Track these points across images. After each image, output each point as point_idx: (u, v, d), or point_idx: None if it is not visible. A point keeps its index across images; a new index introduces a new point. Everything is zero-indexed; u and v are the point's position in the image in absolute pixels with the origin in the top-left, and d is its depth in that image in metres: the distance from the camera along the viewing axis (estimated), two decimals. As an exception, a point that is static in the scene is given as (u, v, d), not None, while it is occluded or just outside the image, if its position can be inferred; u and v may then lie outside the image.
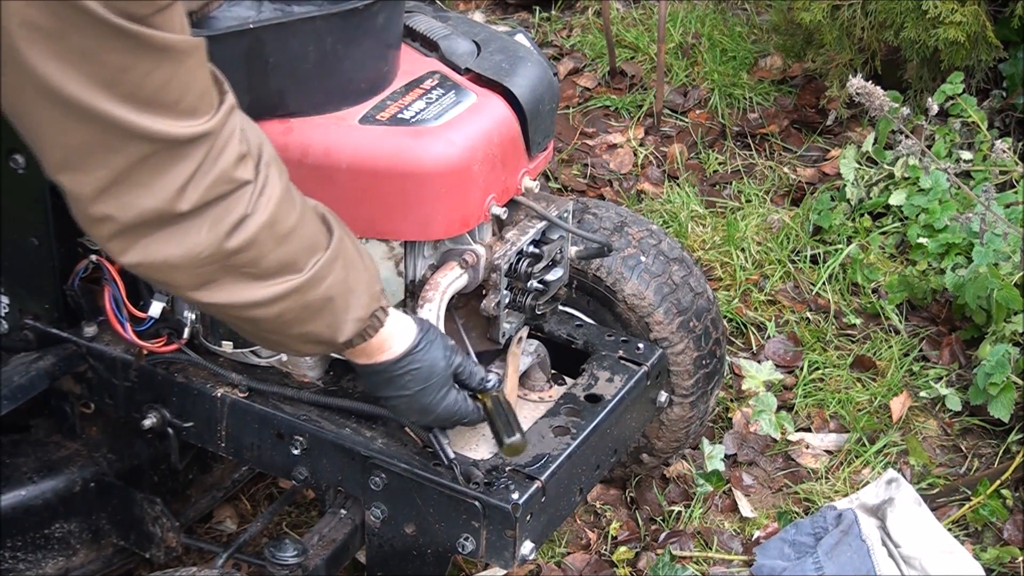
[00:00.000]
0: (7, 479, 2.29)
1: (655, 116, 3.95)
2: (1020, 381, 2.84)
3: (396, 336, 1.89)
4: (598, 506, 2.76)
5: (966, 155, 3.51)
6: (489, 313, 2.13)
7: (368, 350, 1.87)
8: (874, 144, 3.57)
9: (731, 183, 3.73)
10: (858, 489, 2.75)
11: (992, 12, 3.54)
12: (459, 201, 2.01)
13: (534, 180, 2.15)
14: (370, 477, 2.08)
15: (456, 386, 1.98)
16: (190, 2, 1.93)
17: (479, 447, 2.17)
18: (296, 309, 1.71)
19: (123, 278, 2.18)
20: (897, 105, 2.95)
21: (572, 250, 2.29)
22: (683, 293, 2.47)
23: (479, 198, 2.04)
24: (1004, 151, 2.85)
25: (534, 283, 2.19)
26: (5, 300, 2.29)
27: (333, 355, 2.22)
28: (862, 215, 3.49)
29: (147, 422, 2.25)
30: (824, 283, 3.33)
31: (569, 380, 2.36)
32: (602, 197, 3.67)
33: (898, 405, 2.98)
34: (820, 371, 3.11)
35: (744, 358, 3.13)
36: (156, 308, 2.16)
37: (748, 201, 3.64)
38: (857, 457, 2.88)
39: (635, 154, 3.88)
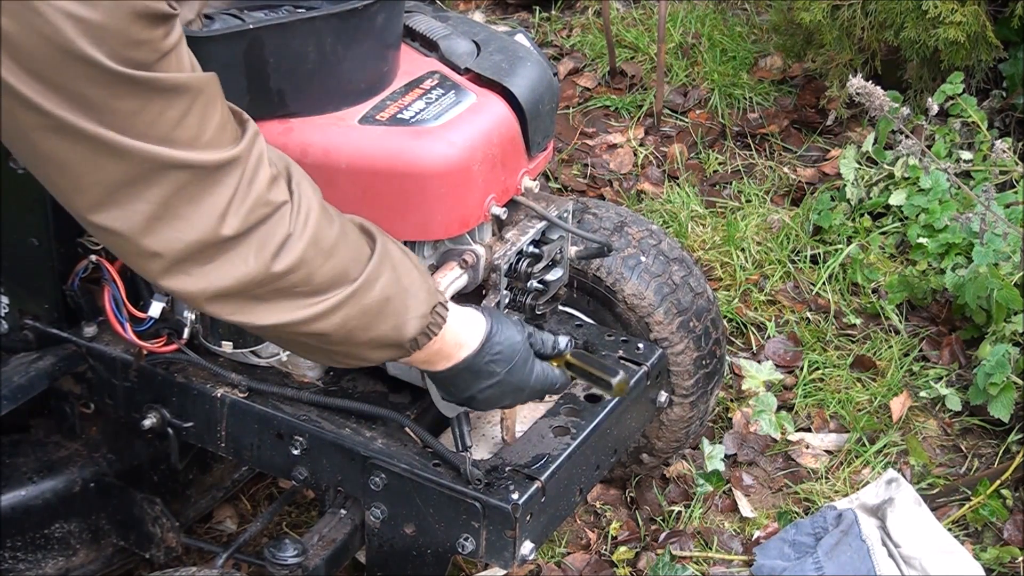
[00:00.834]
0: (7, 479, 2.29)
1: (655, 116, 3.95)
2: (1020, 381, 2.84)
3: (467, 329, 1.88)
4: (598, 506, 2.76)
5: (966, 155, 3.51)
6: (489, 313, 2.13)
7: (446, 352, 1.86)
8: (874, 144, 3.57)
9: (731, 183, 3.73)
10: (858, 489, 2.75)
11: (992, 12, 3.54)
12: (459, 201, 2.01)
13: (534, 180, 2.15)
14: (370, 477, 2.08)
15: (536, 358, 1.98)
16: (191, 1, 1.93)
17: (479, 447, 2.17)
18: (356, 316, 1.71)
19: (123, 278, 2.18)
20: (897, 105, 2.95)
21: (572, 250, 2.29)
22: (683, 293, 2.48)
23: (479, 198, 2.04)
24: (1004, 151, 2.85)
25: (534, 283, 2.19)
26: (5, 300, 2.29)
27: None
28: (862, 215, 3.49)
29: (147, 422, 2.25)
30: (824, 283, 3.33)
31: (569, 380, 2.36)
32: (602, 197, 3.68)
33: (898, 405, 2.99)
34: (820, 371, 3.11)
35: (744, 358, 3.13)
36: (156, 308, 2.16)
37: (748, 201, 3.64)
38: (857, 457, 2.88)
39: (635, 154, 3.88)
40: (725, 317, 3.19)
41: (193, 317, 2.20)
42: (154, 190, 1.49)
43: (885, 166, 3.52)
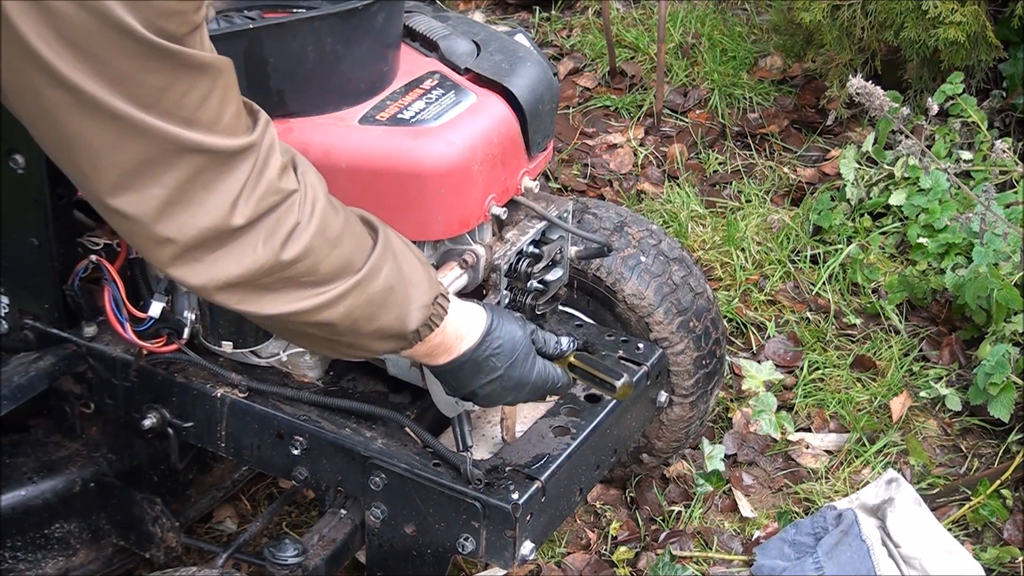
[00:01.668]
0: (7, 479, 2.29)
1: (655, 116, 3.95)
2: (1020, 381, 2.84)
3: (468, 322, 1.89)
4: (598, 506, 2.76)
5: (966, 155, 3.51)
6: (489, 313, 2.13)
7: (447, 345, 1.87)
8: (874, 144, 3.57)
9: (731, 183, 3.73)
10: (858, 489, 2.75)
11: (992, 12, 3.54)
12: (459, 201, 2.01)
13: (534, 180, 2.15)
14: (370, 477, 2.08)
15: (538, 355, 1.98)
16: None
17: (479, 447, 2.17)
18: (361, 305, 1.72)
19: (123, 278, 2.18)
20: (897, 105, 2.95)
21: (572, 250, 2.29)
22: (683, 293, 2.48)
23: (479, 198, 2.04)
24: (1004, 151, 2.85)
25: (534, 283, 2.19)
26: (5, 300, 2.29)
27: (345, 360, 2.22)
28: (862, 215, 3.49)
29: (147, 422, 2.25)
30: (824, 283, 3.33)
31: (569, 380, 2.36)
32: (602, 197, 3.68)
33: (898, 405, 2.99)
34: (820, 371, 3.11)
35: (744, 358, 3.13)
36: (156, 308, 2.16)
37: (748, 201, 3.64)
38: (857, 457, 2.88)
39: (635, 154, 3.88)
40: (725, 317, 3.19)
41: (193, 317, 2.20)
42: (171, 174, 1.50)
43: (885, 166, 3.52)
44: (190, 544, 2.44)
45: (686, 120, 3.99)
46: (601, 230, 2.50)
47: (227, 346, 2.22)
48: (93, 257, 2.19)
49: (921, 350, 3.15)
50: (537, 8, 4.57)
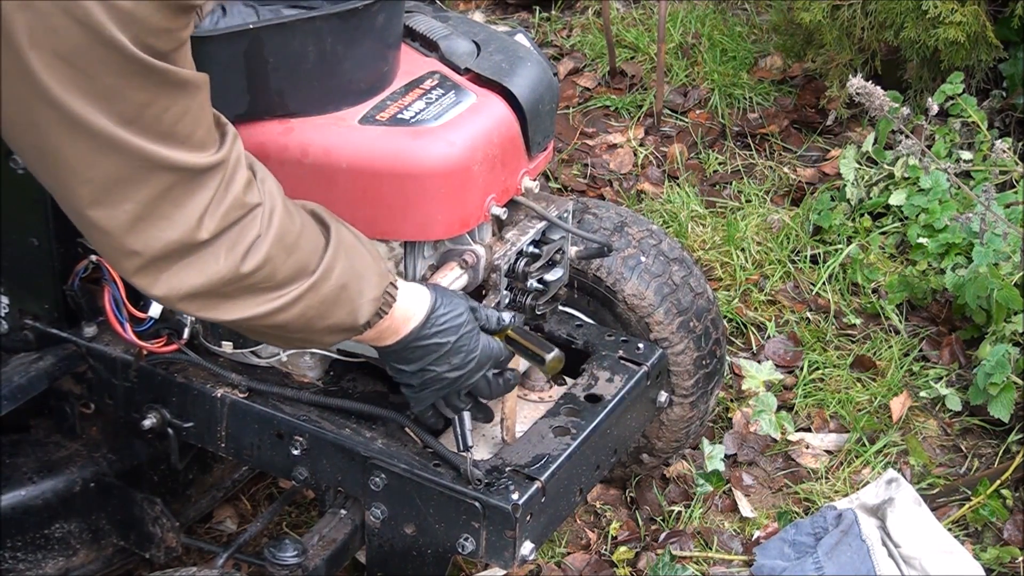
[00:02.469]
0: (7, 479, 2.29)
1: (655, 116, 3.95)
2: (1020, 381, 2.84)
3: (414, 303, 1.91)
4: (598, 506, 2.76)
5: (966, 155, 3.51)
6: (489, 313, 2.13)
7: (394, 327, 1.89)
8: (874, 144, 3.57)
9: (731, 183, 3.73)
10: (858, 489, 2.75)
11: (992, 12, 3.54)
12: (459, 201, 2.01)
13: (534, 180, 2.15)
14: (370, 477, 2.08)
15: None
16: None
17: (479, 447, 2.17)
18: (315, 305, 1.76)
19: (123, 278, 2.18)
20: (897, 105, 2.95)
21: (572, 250, 2.29)
22: (683, 293, 2.47)
23: (479, 198, 2.04)
24: (1004, 151, 2.86)
25: (534, 283, 2.19)
26: (5, 300, 2.29)
27: (336, 357, 2.23)
28: (862, 215, 3.49)
29: (147, 422, 2.25)
30: (824, 283, 3.33)
31: (569, 380, 2.36)
32: (602, 197, 3.67)
33: (898, 405, 2.98)
34: (820, 371, 3.11)
35: (744, 358, 3.13)
36: (156, 308, 2.16)
37: (748, 201, 3.64)
38: (857, 457, 2.88)
39: (635, 154, 3.88)
40: (725, 317, 3.19)
41: (193, 317, 2.20)
42: (143, 190, 1.54)
43: (885, 166, 3.52)
44: (190, 544, 2.44)
45: (686, 120, 3.99)
46: (601, 230, 2.50)
47: (227, 346, 2.22)
48: (93, 257, 2.19)
49: (921, 350, 3.15)
50: (537, 8, 4.57)
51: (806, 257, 3.42)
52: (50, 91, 1.43)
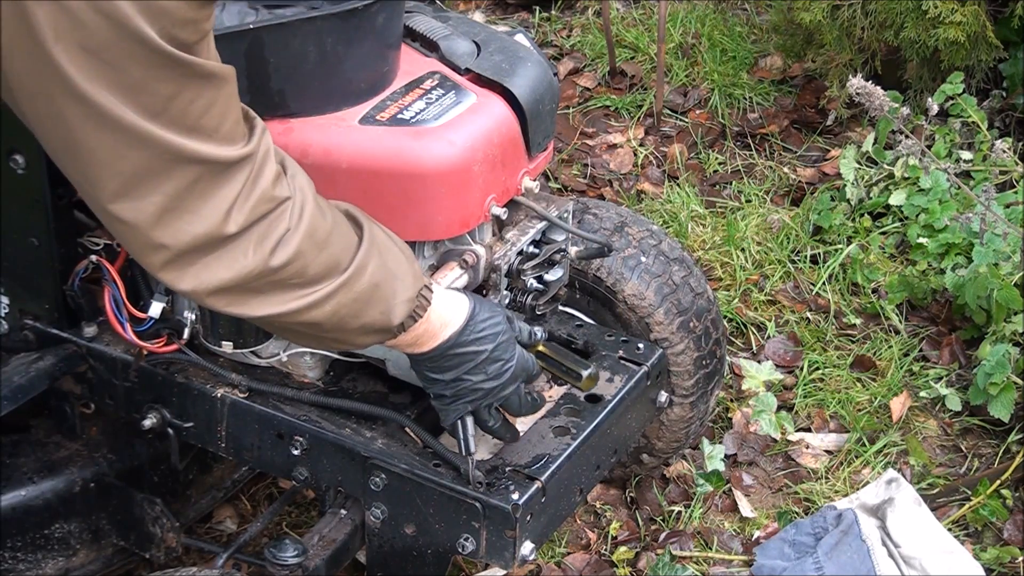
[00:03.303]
0: (7, 479, 2.29)
1: (655, 116, 3.95)
2: (1020, 381, 2.84)
3: (451, 309, 1.90)
4: (598, 506, 2.76)
5: (966, 155, 3.51)
6: (489, 313, 2.13)
7: (432, 331, 1.88)
8: (874, 144, 3.57)
9: (731, 183, 3.73)
10: (858, 489, 2.75)
11: (992, 12, 3.54)
12: (459, 201, 2.01)
13: (534, 180, 2.15)
14: (370, 477, 2.08)
15: None
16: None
17: (479, 447, 2.17)
18: (347, 303, 1.74)
19: (123, 278, 2.18)
20: (897, 105, 2.95)
21: (572, 250, 2.29)
22: (683, 293, 2.47)
23: (479, 198, 2.04)
24: (1004, 151, 2.86)
25: (534, 283, 2.19)
26: (5, 300, 2.29)
27: (336, 357, 2.23)
28: (862, 215, 3.49)
29: (147, 422, 2.25)
30: (824, 283, 3.33)
31: (569, 380, 2.36)
32: (602, 197, 3.67)
33: (898, 405, 2.99)
34: (820, 371, 3.11)
35: (744, 358, 3.13)
36: (156, 308, 2.16)
37: (748, 201, 3.64)
38: (857, 457, 2.88)
39: (635, 154, 3.88)
40: (725, 317, 3.19)
41: (193, 317, 2.20)
42: (170, 183, 1.52)
43: (885, 166, 3.52)
44: (190, 544, 2.44)
45: (686, 120, 3.99)
46: (601, 230, 2.50)
47: (227, 346, 2.22)
48: (93, 257, 2.19)
49: (921, 350, 3.15)
50: (537, 8, 4.57)
51: (806, 257, 3.42)
52: (76, 85, 1.42)
